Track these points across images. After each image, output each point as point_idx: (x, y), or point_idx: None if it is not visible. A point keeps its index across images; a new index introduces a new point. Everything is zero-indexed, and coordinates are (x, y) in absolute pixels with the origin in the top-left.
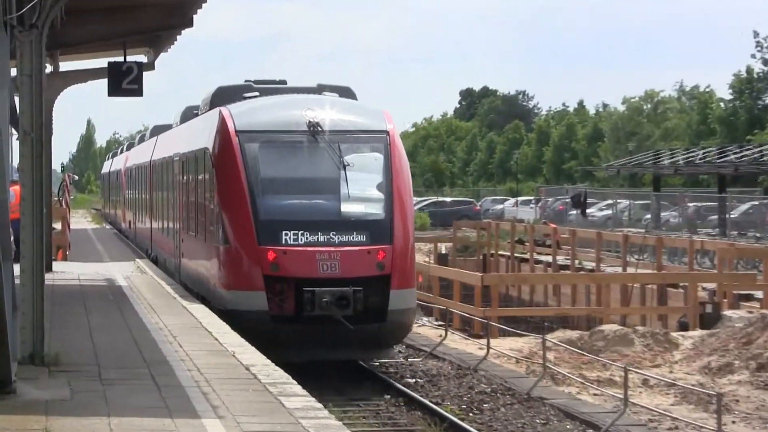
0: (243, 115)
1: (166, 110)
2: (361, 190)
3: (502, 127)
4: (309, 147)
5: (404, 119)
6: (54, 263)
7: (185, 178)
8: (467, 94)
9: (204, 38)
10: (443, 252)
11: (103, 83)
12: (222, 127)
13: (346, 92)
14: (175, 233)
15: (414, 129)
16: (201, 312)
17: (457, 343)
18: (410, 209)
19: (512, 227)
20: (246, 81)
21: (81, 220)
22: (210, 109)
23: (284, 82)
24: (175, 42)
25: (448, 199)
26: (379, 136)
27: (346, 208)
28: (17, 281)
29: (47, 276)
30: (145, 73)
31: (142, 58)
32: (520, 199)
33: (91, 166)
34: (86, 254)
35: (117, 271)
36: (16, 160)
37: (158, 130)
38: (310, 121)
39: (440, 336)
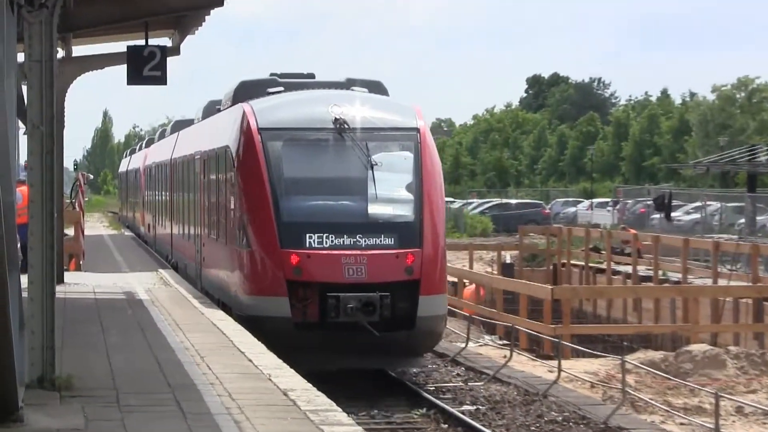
0: (266, 111)
1: (193, 101)
2: (390, 191)
3: (574, 120)
4: (335, 145)
5: (463, 110)
6: (66, 274)
7: (206, 178)
8: (535, 82)
9: (236, 19)
10: (508, 261)
11: (121, 70)
12: (244, 125)
13: (376, 87)
14: (196, 237)
15: (474, 122)
16: (232, 329)
17: (524, 365)
18: (441, 211)
19: (586, 233)
20: (271, 74)
21: (96, 225)
22: (232, 104)
23: (312, 75)
24: (203, 23)
25: (513, 201)
26: (409, 133)
27: (374, 209)
28: (24, 295)
29: (58, 288)
30: (169, 59)
31: (166, 42)
32: (595, 201)
33: (107, 163)
34: (102, 264)
35: (137, 283)
36: (23, 156)
37: (179, 125)
38: (336, 118)
39: (504, 357)
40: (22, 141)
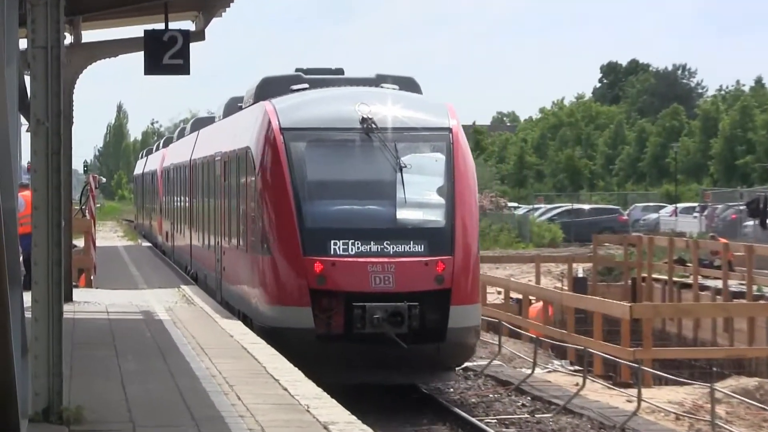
0: (289, 110)
1: (220, 93)
2: (420, 195)
3: (656, 113)
4: (362, 146)
5: (528, 103)
6: (75, 291)
7: (226, 181)
8: (610, 70)
9: None
10: (580, 275)
11: (138, 58)
12: (266, 124)
13: (408, 84)
14: (216, 245)
15: (541, 116)
16: (265, 353)
17: (599, 393)
18: (475, 216)
19: (670, 243)
20: (297, 69)
21: (109, 235)
22: (254, 102)
23: (341, 71)
24: (231, 3)
25: (587, 207)
26: (441, 134)
27: (403, 214)
28: (28, 315)
29: (66, 308)
30: (192, 45)
31: (189, 26)
32: (679, 206)
33: (122, 164)
34: (116, 279)
35: (156, 301)
36: (26, 157)
37: (200, 123)
38: (363, 117)
39: (577, 385)
40: (25, 139)
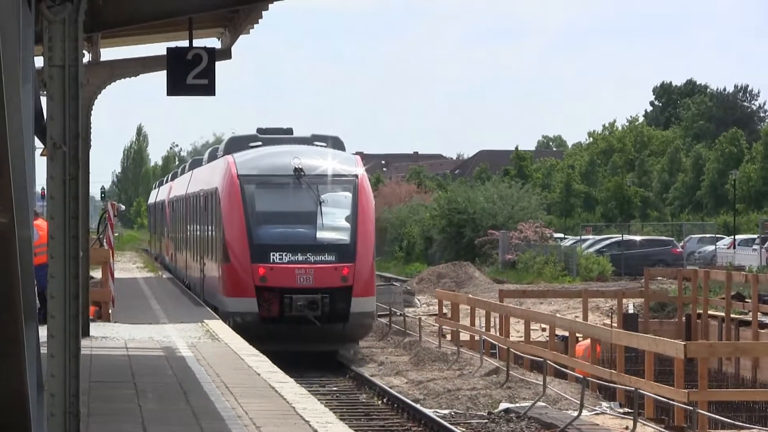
0: (245, 162)
1: (246, 114)
2: (333, 221)
3: (712, 138)
4: (294, 188)
5: (576, 127)
6: (92, 325)
7: (205, 211)
8: (664, 92)
9: (304, 11)
10: (630, 311)
11: (160, 77)
12: (228, 172)
13: (334, 141)
14: (200, 258)
15: (591, 141)
16: (294, 393)
17: None
18: (371, 236)
19: (728, 277)
20: (257, 129)
21: (128, 266)
22: (224, 154)
23: (290, 130)
24: (259, 20)
25: (638, 238)
26: (349, 179)
27: (321, 235)
28: (43, 350)
29: (84, 343)
30: (218, 63)
31: (215, 43)
32: (738, 237)
33: (141, 191)
34: (136, 313)
35: (178, 337)
36: (40, 183)
37: (195, 164)
38: (295, 168)
39: (626, 428)
40: (39, 164)
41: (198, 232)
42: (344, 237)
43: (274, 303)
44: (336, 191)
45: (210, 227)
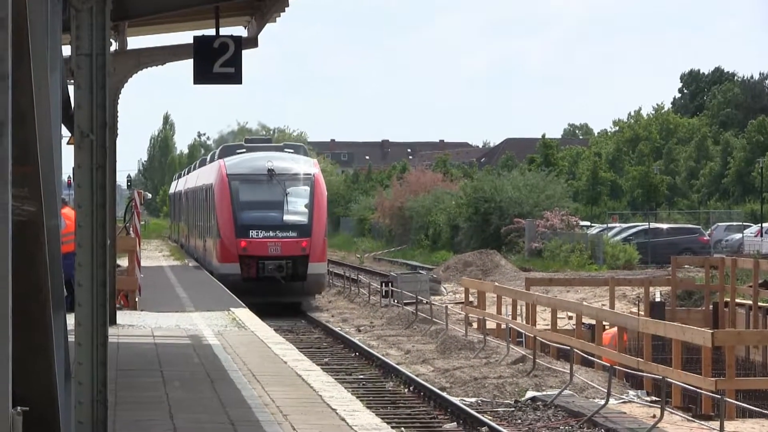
0: (232, 165)
1: (272, 103)
2: (295, 208)
3: (739, 126)
4: (267, 183)
5: (602, 115)
6: (118, 313)
7: (204, 200)
8: (692, 79)
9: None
10: (657, 299)
11: (187, 66)
12: (219, 172)
13: (298, 148)
14: (202, 236)
15: (617, 129)
16: (321, 380)
17: (678, 426)
18: (324, 218)
19: (755, 265)
20: (246, 139)
21: (154, 254)
22: (217, 159)
23: (269, 140)
24: (285, 8)
25: (665, 226)
26: (308, 177)
27: (286, 217)
28: (71, 338)
29: (111, 331)
30: (244, 52)
31: (241, 31)
32: (766, 225)
33: (167, 179)
34: (162, 301)
35: (205, 325)
36: (66, 171)
37: (202, 162)
38: (269, 169)
39: (654, 417)
40: (67, 152)
41: (200, 217)
42: (303, 219)
43: (252, 267)
44: (298, 186)
45: (208, 213)
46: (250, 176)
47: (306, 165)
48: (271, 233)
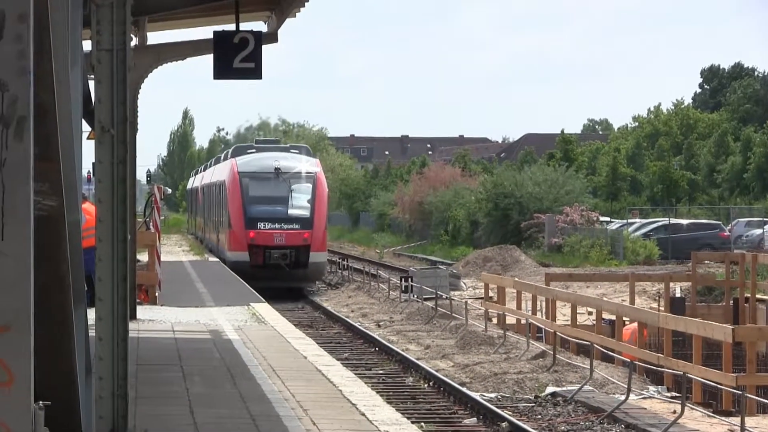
0: (243, 163)
1: (292, 98)
2: (299, 203)
3: (761, 121)
4: (274, 181)
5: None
6: (139, 309)
7: (218, 195)
8: (712, 75)
9: None
10: (678, 295)
11: (206, 61)
12: (232, 170)
13: (303, 149)
14: (215, 228)
15: (636, 125)
16: (341, 376)
17: (698, 422)
18: (324, 213)
19: None
20: (255, 140)
21: (174, 249)
22: (230, 158)
23: (277, 141)
24: (306, 2)
25: (685, 222)
26: (310, 175)
27: (290, 211)
28: (91, 333)
29: (131, 326)
30: (264, 47)
31: (261, 26)
32: None
33: (186, 174)
34: (182, 296)
35: (225, 320)
36: (86, 166)
37: (217, 161)
38: (276, 167)
39: (674, 412)
40: (87, 147)
41: (214, 210)
42: (306, 213)
43: (260, 255)
44: (301, 183)
45: (220, 207)
46: (259, 174)
47: (309, 164)
48: (277, 225)
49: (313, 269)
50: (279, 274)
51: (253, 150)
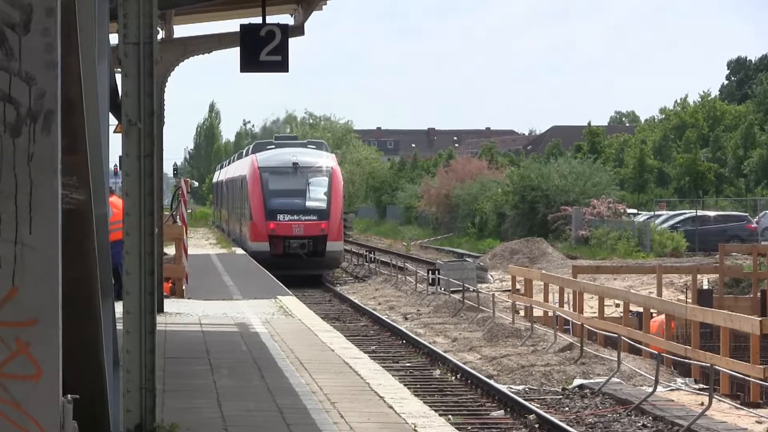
0: (263, 159)
1: (318, 91)
2: (316, 195)
3: None
4: (292, 175)
5: (649, 102)
6: (166, 302)
7: (240, 189)
8: (739, 67)
9: None
10: (705, 287)
11: (233, 54)
12: (252, 165)
13: (320, 144)
14: (238, 219)
15: (663, 117)
16: (368, 368)
17: (726, 414)
18: (340, 204)
19: None
20: (275, 136)
21: (201, 242)
22: (251, 153)
23: (295, 137)
24: None
25: (712, 214)
26: (327, 169)
27: (308, 203)
28: (119, 326)
29: (158, 319)
30: (291, 40)
31: (288, 20)
32: None
33: (213, 167)
34: (209, 289)
35: (252, 313)
36: (113, 159)
37: (239, 156)
38: (294, 162)
39: (702, 404)
40: (114, 141)
41: (237, 203)
42: (322, 205)
43: (279, 245)
44: (318, 177)
45: (243, 200)
46: (278, 168)
47: (325, 159)
48: (295, 217)
49: (330, 257)
50: (298, 262)
51: (273, 146)
